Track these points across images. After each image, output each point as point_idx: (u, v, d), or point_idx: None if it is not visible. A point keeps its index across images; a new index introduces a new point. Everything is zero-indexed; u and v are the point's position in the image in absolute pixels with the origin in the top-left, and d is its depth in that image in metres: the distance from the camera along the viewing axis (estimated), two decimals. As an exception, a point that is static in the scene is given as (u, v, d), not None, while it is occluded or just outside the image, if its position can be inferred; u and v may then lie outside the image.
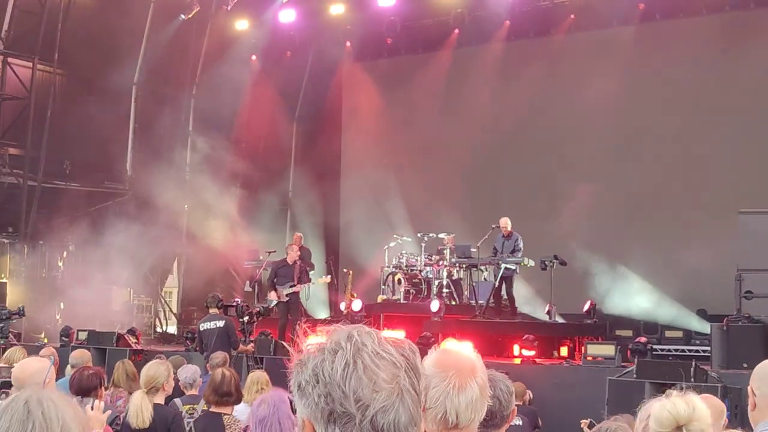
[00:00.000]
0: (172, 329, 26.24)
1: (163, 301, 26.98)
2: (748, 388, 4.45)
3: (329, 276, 22.60)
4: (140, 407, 7.72)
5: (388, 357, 1.99)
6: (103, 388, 7.49)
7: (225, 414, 7.51)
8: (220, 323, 14.75)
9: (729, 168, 22.00)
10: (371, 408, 1.94)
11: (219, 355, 11.66)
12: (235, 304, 16.25)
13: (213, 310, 15.08)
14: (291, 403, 4.99)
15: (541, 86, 24.47)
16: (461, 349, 3.67)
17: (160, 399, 8.10)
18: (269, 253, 22.78)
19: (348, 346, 1.99)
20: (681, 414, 3.61)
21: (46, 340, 20.37)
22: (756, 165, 21.72)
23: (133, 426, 7.61)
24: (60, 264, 24.16)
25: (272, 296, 19.67)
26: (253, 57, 27.31)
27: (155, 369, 8.06)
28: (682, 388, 4.42)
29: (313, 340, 2.07)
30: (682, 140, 22.75)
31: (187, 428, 7.31)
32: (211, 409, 7.55)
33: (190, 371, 10.42)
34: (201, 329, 14.97)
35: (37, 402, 2.58)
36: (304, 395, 2.00)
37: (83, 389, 6.92)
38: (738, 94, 22.25)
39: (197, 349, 15.59)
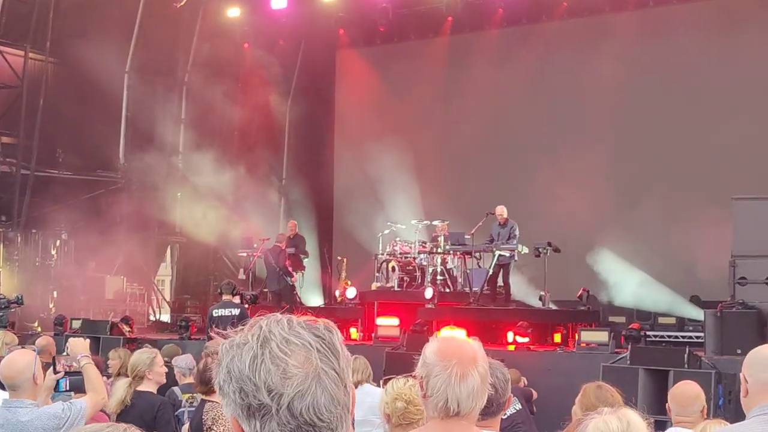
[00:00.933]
0: (166, 317, 26.22)
1: (156, 289, 26.97)
2: (741, 374, 4.47)
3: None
4: (115, 392, 7.76)
5: (298, 341, 1.98)
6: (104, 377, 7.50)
7: (218, 402, 7.52)
8: (235, 311, 14.60)
9: (723, 154, 22.04)
10: (285, 395, 1.94)
11: (214, 343, 11.62)
12: (238, 292, 16.21)
13: (227, 297, 14.89)
14: None
15: (536, 73, 24.50)
16: (463, 338, 3.68)
17: (148, 387, 8.08)
18: (263, 240, 22.77)
19: (254, 338, 2.00)
20: None
21: (39, 329, 20.35)
22: (750, 151, 21.75)
23: (107, 410, 7.61)
24: (53, 252, 24.13)
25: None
26: (246, 45, 27.26)
27: (136, 357, 8.10)
28: (613, 406, 4.43)
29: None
30: (676, 127, 22.78)
31: (187, 417, 7.28)
32: (203, 398, 7.54)
33: (185, 360, 10.43)
34: (213, 315, 14.74)
35: None
36: (224, 394, 2.01)
37: (82, 380, 6.89)
38: (732, 80, 22.29)
39: (206, 335, 15.41)
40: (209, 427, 7.04)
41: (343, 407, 2.00)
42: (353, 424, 2.12)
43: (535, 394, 12.89)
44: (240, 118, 27.28)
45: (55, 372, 6.13)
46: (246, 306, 15.46)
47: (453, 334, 3.57)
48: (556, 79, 24.33)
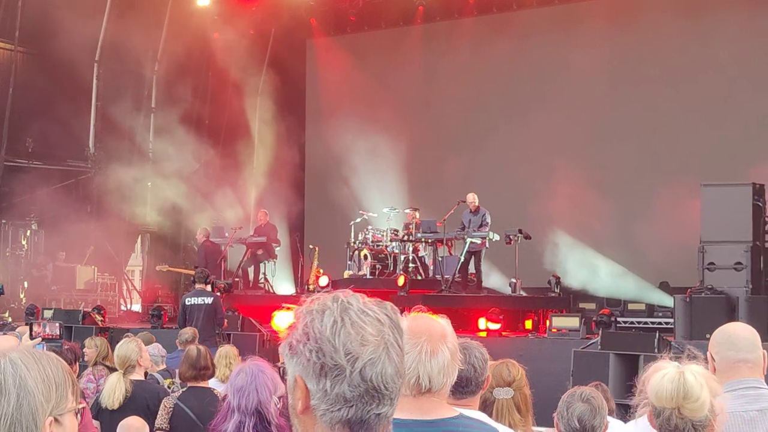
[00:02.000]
0: (137, 307, 26.17)
1: (127, 278, 26.90)
2: (708, 353, 4.55)
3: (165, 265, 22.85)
4: (114, 388, 7.74)
5: (372, 314, 2.13)
6: (77, 364, 7.49)
7: (210, 388, 7.52)
8: (208, 300, 14.69)
9: (691, 141, 22.22)
10: (360, 360, 2.08)
11: (188, 331, 11.67)
12: (210, 280, 16.23)
13: (200, 286, 14.97)
14: (282, 370, 5.01)
15: (508, 61, 24.62)
16: (431, 316, 3.73)
17: (139, 375, 8.11)
18: (235, 230, 22.77)
19: (335, 305, 2.13)
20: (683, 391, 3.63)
21: (10, 319, 20.26)
22: (719, 138, 21.94)
23: (103, 405, 7.61)
24: (23, 242, 24.00)
25: None
26: (216, 34, 27.16)
27: (126, 347, 8.08)
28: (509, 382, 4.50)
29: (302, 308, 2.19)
30: (646, 114, 22.94)
31: (171, 404, 7.23)
32: (191, 385, 7.52)
33: (156, 347, 10.47)
34: (186, 303, 14.82)
35: None
36: (296, 353, 2.12)
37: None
38: (702, 67, 22.46)
39: (179, 324, 15.44)
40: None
41: (402, 380, 2.15)
42: None
43: None
44: (210, 107, 27.22)
45: (32, 338, 6.14)
46: (218, 295, 15.47)
47: (422, 314, 3.60)
48: (528, 67, 24.44)
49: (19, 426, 2.14)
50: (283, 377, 2.26)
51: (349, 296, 2.16)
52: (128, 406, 7.51)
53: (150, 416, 7.36)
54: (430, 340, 3.52)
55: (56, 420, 2.20)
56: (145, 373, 8.75)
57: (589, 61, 23.00)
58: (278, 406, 4.72)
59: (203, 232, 22.39)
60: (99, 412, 7.87)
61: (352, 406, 2.08)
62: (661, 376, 3.66)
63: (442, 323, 3.65)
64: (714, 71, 22.30)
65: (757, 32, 22.23)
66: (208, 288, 15.19)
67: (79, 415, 2.33)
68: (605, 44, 23.35)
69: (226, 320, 15.18)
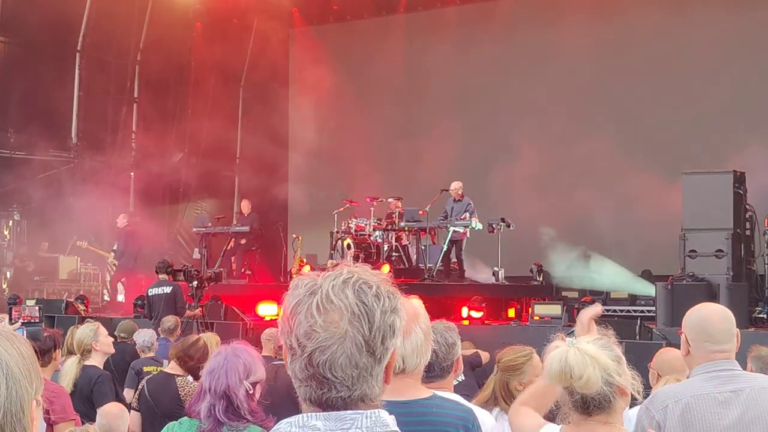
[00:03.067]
0: (120, 297, 26.09)
1: (110, 268, 26.82)
2: (682, 335, 4.57)
3: (85, 242, 22.81)
4: (65, 371, 7.77)
5: (337, 302, 2.14)
6: (59, 350, 7.47)
7: (179, 375, 7.53)
8: (168, 289, 14.80)
9: (672, 129, 22.32)
10: (308, 347, 2.12)
11: (171, 319, 11.70)
12: (184, 268, 16.29)
13: (162, 276, 15.11)
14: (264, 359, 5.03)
15: (492, 50, 24.63)
16: (403, 297, 3.74)
17: (95, 360, 8.05)
18: (218, 219, 22.78)
19: (305, 287, 2.17)
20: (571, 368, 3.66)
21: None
22: (699, 126, 22.04)
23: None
24: (6, 233, 23.94)
25: None
26: (198, 24, 27.09)
27: (80, 332, 8.04)
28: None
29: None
30: (628, 103, 23.03)
31: (141, 386, 7.30)
32: (165, 370, 7.57)
33: (147, 335, 10.48)
34: (149, 295, 15.00)
35: None
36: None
37: (38, 352, 6.86)
38: (683, 56, 22.56)
39: (146, 315, 15.58)
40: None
41: (363, 370, 2.15)
42: None
43: (485, 357, 12.90)
44: (193, 97, 27.17)
45: (11, 322, 6.13)
46: (178, 283, 15.51)
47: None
48: (511, 57, 24.49)
49: (9, 415, 2.07)
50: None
51: (329, 279, 2.17)
52: (75, 394, 7.53)
53: (86, 402, 7.40)
54: (403, 321, 3.54)
55: (36, 402, 2.16)
56: (124, 360, 8.76)
57: (572, 50, 23.04)
58: (251, 391, 4.72)
59: (125, 218, 22.27)
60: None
61: (306, 386, 2.15)
62: (551, 356, 3.71)
63: (414, 304, 3.68)
64: (695, 60, 22.40)
65: (738, 22, 22.34)
66: (170, 278, 15.28)
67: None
68: (589, 34, 23.37)
69: (186, 308, 15.20)
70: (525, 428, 4.04)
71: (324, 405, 2.14)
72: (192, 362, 7.62)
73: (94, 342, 8.00)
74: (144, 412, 7.11)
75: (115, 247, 22.70)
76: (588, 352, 3.63)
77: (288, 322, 2.15)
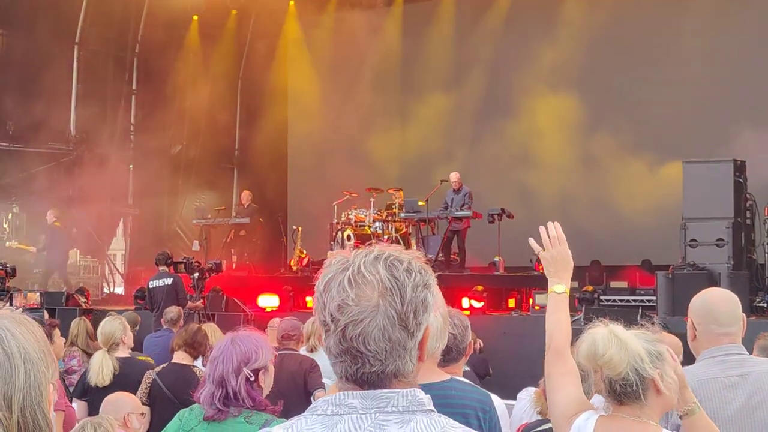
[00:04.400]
0: (120, 290, 26.13)
1: (109, 261, 26.83)
2: (688, 320, 4.58)
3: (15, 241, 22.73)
4: (101, 365, 7.72)
5: (369, 277, 2.17)
6: (59, 339, 7.47)
7: (192, 365, 7.51)
8: (168, 281, 14.81)
9: (672, 118, 22.28)
10: (341, 321, 2.14)
11: (174, 310, 11.67)
12: (184, 260, 16.32)
13: (162, 268, 15.12)
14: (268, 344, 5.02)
15: (490, 39, 24.58)
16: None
17: (123, 353, 8.11)
18: (218, 210, 22.77)
19: (337, 264, 2.21)
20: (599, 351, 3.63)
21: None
22: (699, 115, 22.02)
23: (93, 384, 7.59)
24: (5, 226, 23.92)
25: None
26: (195, 16, 27.02)
27: (111, 325, 8.06)
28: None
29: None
30: (628, 91, 23.01)
31: (150, 379, 7.23)
32: (175, 361, 7.50)
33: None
34: (150, 287, 15.00)
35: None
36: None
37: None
38: (683, 43, 22.50)
39: (147, 307, 15.59)
40: None
41: (396, 344, 2.17)
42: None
43: (480, 344, 12.90)
44: (192, 89, 27.13)
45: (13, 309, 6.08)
46: (179, 275, 15.52)
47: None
48: (509, 45, 24.41)
49: (29, 398, 2.06)
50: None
51: (360, 255, 2.21)
52: (118, 383, 7.48)
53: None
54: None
55: (53, 386, 2.14)
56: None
57: (572, 37, 22.99)
58: (252, 378, 4.70)
59: (54, 213, 22.12)
60: (86, 391, 7.87)
61: (341, 361, 2.17)
62: (582, 336, 3.69)
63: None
64: (695, 48, 22.34)
65: (739, 9, 22.31)
66: (171, 270, 15.30)
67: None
68: (587, 20, 23.30)
69: (188, 300, 15.22)
70: (560, 404, 3.93)
71: (359, 381, 2.16)
72: (202, 348, 7.63)
73: (124, 336, 8.05)
74: (158, 405, 7.03)
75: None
76: (618, 334, 3.61)
77: (321, 298, 2.18)
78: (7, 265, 17.03)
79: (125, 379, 7.68)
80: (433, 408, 2.18)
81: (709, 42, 22.23)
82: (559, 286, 3.96)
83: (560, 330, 3.99)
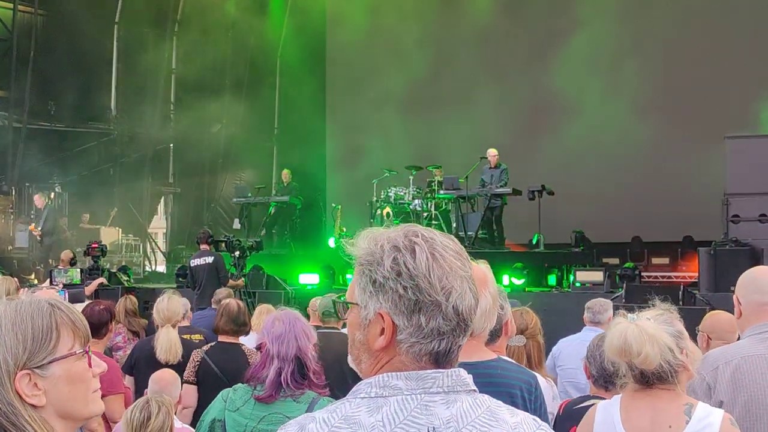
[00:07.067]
0: (161, 268, 26.32)
1: (151, 239, 27.03)
2: (734, 297, 4.58)
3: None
4: (171, 342, 7.74)
5: (452, 248, 2.15)
6: (114, 322, 7.51)
7: (239, 344, 7.53)
8: (209, 259, 14.83)
9: (714, 93, 22.08)
10: (453, 294, 2.09)
11: (224, 291, 11.69)
12: (225, 239, 16.39)
13: (203, 246, 15.14)
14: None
15: (530, 13, 24.47)
16: (472, 260, 3.76)
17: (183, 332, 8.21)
18: (258, 189, 22.82)
19: (421, 241, 2.12)
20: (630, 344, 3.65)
21: (36, 282, 20.40)
22: (742, 89, 21.79)
23: (163, 361, 7.58)
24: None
25: None
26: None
27: (175, 303, 8.02)
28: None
29: (364, 243, 2.18)
30: (668, 66, 22.82)
31: (199, 357, 7.23)
32: (222, 340, 7.51)
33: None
34: (191, 266, 15.03)
35: None
36: (383, 290, 2.11)
37: (94, 325, 6.84)
38: (723, 18, 22.29)
39: (189, 285, 15.65)
40: None
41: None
42: None
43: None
44: (231, 66, 27.21)
45: (52, 284, 6.16)
46: (220, 253, 15.58)
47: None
48: (548, 22, 24.30)
49: None
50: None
51: (425, 231, 2.16)
52: (182, 364, 7.53)
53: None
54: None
55: (35, 371, 2.16)
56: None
57: (611, 16, 22.87)
58: (314, 353, 4.78)
59: (44, 196, 22.15)
60: (133, 366, 7.95)
61: (444, 338, 2.10)
62: (612, 333, 3.70)
63: (483, 268, 3.69)
64: (736, 22, 22.12)
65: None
66: (212, 248, 15.36)
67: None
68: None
69: (235, 278, 15.30)
70: None
71: (444, 356, 2.12)
72: (248, 326, 7.67)
73: (185, 314, 8.12)
74: (206, 383, 7.06)
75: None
76: (647, 330, 3.62)
77: (426, 278, 2.08)
78: (102, 243, 17.19)
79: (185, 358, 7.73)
80: (476, 388, 2.15)
81: (751, 14, 21.97)
82: None
83: None
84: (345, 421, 2.07)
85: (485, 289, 3.60)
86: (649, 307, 3.90)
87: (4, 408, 2.11)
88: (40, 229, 21.37)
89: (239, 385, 4.91)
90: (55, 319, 2.22)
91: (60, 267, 15.36)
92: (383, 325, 2.10)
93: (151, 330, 9.13)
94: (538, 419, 2.23)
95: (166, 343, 7.71)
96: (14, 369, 2.13)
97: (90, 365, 2.27)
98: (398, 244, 2.11)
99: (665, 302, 4.03)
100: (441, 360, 2.11)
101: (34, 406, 2.15)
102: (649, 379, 3.68)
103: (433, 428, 2.06)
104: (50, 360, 2.17)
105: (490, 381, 3.51)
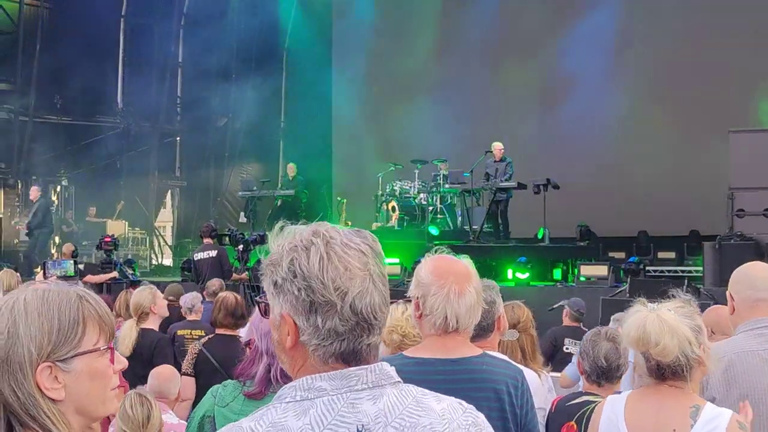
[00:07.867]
0: (168, 261, 26.37)
1: (158, 233, 27.07)
2: (727, 293, 4.55)
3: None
4: (124, 335, 7.82)
5: (355, 246, 2.12)
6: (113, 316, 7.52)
7: (238, 336, 7.55)
8: (213, 253, 14.87)
9: (720, 87, 22.01)
10: (350, 294, 2.07)
11: (215, 283, 11.73)
12: (229, 232, 16.41)
13: (207, 240, 15.18)
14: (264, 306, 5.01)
15: (537, 11, 24.43)
16: (454, 256, 3.75)
17: (152, 324, 8.15)
18: (264, 183, 22.82)
19: (318, 240, 2.11)
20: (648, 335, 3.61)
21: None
22: (746, 84, 21.72)
23: (119, 352, 7.63)
24: (54, 198, 24.19)
25: None
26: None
27: (138, 295, 8.12)
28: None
29: (277, 241, 2.16)
30: (674, 60, 22.74)
31: (197, 350, 7.27)
32: (220, 332, 7.54)
33: (191, 297, 10.55)
34: (195, 259, 15.09)
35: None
36: (282, 291, 2.11)
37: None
38: (727, 13, 22.21)
39: (193, 279, 15.68)
40: None
41: (388, 308, 2.16)
42: None
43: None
44: (237, 60, 27.21)
45: (46, 277, 6.16)
46: (224, 247, 15.62)
47: (444, 255, 3.59)
48: (547, 13, 24.25)
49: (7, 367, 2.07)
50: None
51: (330, 230, 2.14)
52: (134, 356, 7.58)
53: (147, 366, 7.42)
54: (457, 281, 3.57)
55: (57, 365, 2.10)
56: (168, 322, 8.81)
57: (612, 6, 22.84)
58: None
59: (38, 189, 22.09)
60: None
61: (344, 339, 2.09)
62: (630, 321, 3.66)
63: (465, 263, 3.69)
64: (741, 16, 22.04)
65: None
66: (215, 242, 15.38)
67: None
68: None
69: (238, 272, 15.34)
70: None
71: (350, 356, 2.10)
72: (245, 319, 7.68)
73: (152, 305, 8.09)
74: (204, 375, 7.08)
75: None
76: (668, 321, 3.58)
77: (318, 280, 2.06)
78: (115, 236, 17.23)
79: (139, 350, 7.81)
80: (400, 379, 2.14)
81: (754, 8, 21.90)
82: None
83: None
84: (273, 427, 2.05)
85: (469, 285, 3.59)
86: (668, 298, 3.85)
87: (24, 399, 2.07)
88: (27, 223, 21.33)
89: (229, 381, 4.90)
90: (83, 312, 2.18)
91: (54, 259, 15.39)
92: (287, 326, 2.11)
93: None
94: (463, 403, 2.22)
95: (121, 335, 7.78)
96: (37, 360, 2.08)
97: (112, 361, 2.23)
98: (297, 244, 2.11)
99: (687, 296, 3.97)
100: (350, 360, 2.10)
101: (52, 400, 2.11)
102: (665, 372, 3.64)
103: (363, 426, 2.05)
104: (74, 354, 2.12)
105: (471, 377, 3.50)
